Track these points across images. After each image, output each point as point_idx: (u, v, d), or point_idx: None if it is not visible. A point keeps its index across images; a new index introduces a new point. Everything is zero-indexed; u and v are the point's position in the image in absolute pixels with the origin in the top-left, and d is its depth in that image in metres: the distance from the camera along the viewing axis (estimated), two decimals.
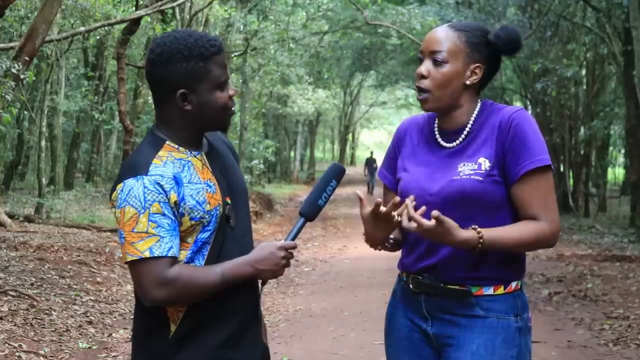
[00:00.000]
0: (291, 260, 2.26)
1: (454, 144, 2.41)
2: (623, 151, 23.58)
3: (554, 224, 2.32)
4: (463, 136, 2.40)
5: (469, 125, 2.40)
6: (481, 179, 2.32)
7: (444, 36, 2.39)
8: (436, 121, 2.48)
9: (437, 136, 2.45)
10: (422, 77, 2.38)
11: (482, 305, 2.36)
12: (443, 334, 2.40)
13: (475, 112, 2.42)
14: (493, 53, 2.41)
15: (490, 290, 2.36)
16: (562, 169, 20.64)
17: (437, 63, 2.37)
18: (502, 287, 2.37)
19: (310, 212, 2.30)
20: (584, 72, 20.63)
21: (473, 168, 2.34)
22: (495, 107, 2.42)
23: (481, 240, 2.26)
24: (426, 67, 2.38)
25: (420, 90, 2.40)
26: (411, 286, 2.45)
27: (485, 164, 2.33)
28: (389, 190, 2.55)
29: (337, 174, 2.34)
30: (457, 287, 2.37)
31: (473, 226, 2.28)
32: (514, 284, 2.39)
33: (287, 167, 38.79)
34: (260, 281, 2.29)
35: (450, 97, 2.38)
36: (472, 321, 2.36)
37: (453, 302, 2.38)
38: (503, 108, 2.40)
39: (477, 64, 2.38)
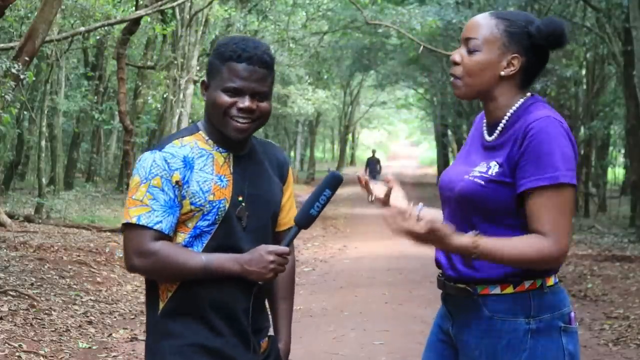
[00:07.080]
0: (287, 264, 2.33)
1: (492, 137, 2.32)
2: (623, 151, 23.55)
3: (560, 243, 2.15)
4: (498, 131, 2.31)
5: (503, 121, 2.30)
6: (483, 183, 2.23)
7: (481, 23, 2.29)
8: None
9: (484, 129, 2.37)
10: (455, 63, 2.30)
11: (488, 306, 2.25)
12: (457, 334, 2.33)
13: (513, 107, 2.30)
14: (536, 46, 2.28)
15: (497, 290, 2.24)
16: None
17: (470, 50, 2.28)
18: (512, 287, 2.23)
19: (303, 221, 2.33)
20: (583, 72, 20.61)
21: (482, 170, 2.25)
22: (532, 107, 2.28)
23: (476, 248, 2.17)
24: (459, 53, 2.30)
25: (452, 76, 2.32)
26: (437, 285, 2.43)
27: (494, 168, 2.24)
28: None
29: (331, 183, 2.34)
30: (463, 285, 2.29)
31: (475, 232, 2.20)
32: (527, 283, 2.23)
33: None
34: (259, 282, 2.32)
35: (481, 87, 2.29)
36: (478, 323, 2.26)
37: (463, 301, 2.30)
38: (533, 111, 2.25)
39: (514, 55, 2.26)
